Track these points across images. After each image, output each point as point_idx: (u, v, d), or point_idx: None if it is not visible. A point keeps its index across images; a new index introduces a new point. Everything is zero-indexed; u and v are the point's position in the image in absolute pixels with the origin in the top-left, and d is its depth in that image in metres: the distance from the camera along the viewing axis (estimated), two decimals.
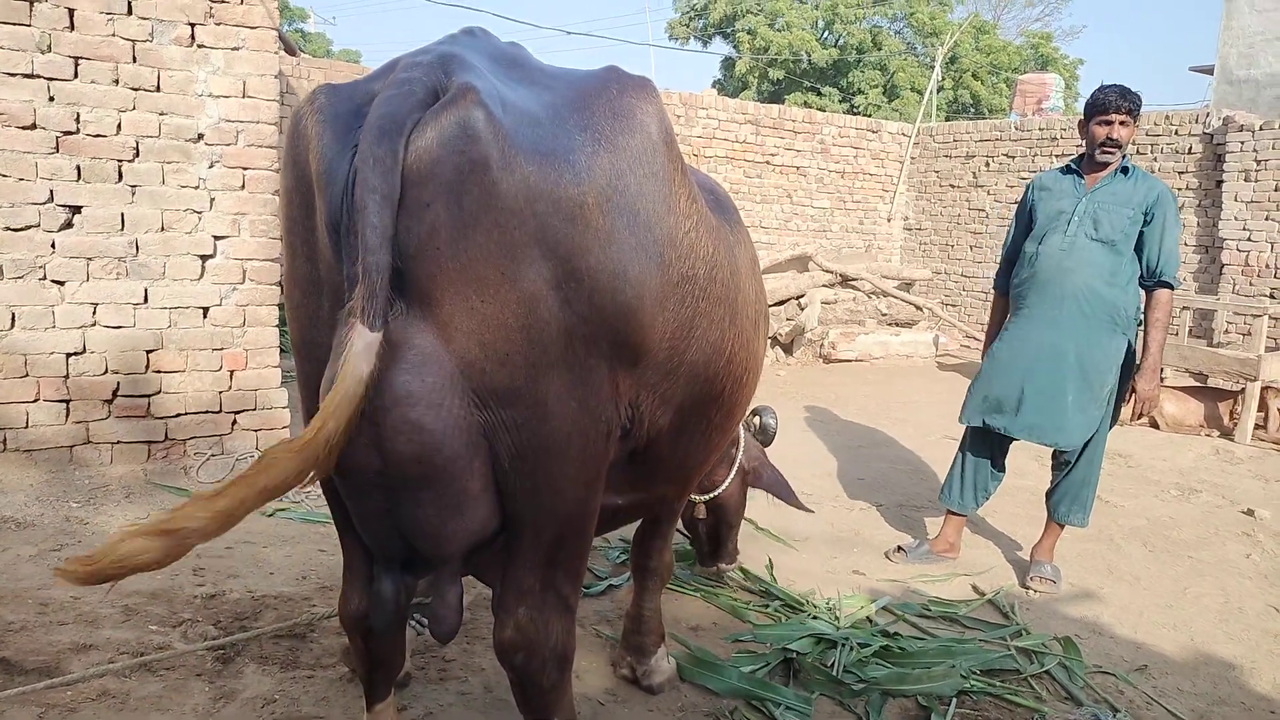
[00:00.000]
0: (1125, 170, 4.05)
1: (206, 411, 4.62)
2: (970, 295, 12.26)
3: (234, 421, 4.70)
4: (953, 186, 12.57)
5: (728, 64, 28.29)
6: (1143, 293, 4.08)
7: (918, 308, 11.15)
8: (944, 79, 18.60)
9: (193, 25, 4.42)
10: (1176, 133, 10.27)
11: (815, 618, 3.68)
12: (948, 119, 15.96)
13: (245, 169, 4.58)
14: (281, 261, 2.10)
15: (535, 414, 1.73)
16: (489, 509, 1.83)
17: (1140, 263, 4.02)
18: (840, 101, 25.24)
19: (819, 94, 25.50)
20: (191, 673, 2.89)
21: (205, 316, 4.58)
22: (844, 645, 3.38)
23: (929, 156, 12.89)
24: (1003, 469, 4.46)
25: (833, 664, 3.25)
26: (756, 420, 3.68)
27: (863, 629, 3.62)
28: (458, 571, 1.99)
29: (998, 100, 24.33)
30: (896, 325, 10.98)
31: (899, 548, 4.59)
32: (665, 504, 2.86)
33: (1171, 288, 4.03)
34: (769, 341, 2.90)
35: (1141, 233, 3.98)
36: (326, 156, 1.66)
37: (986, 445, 4.38)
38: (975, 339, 11.14)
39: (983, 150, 12.16)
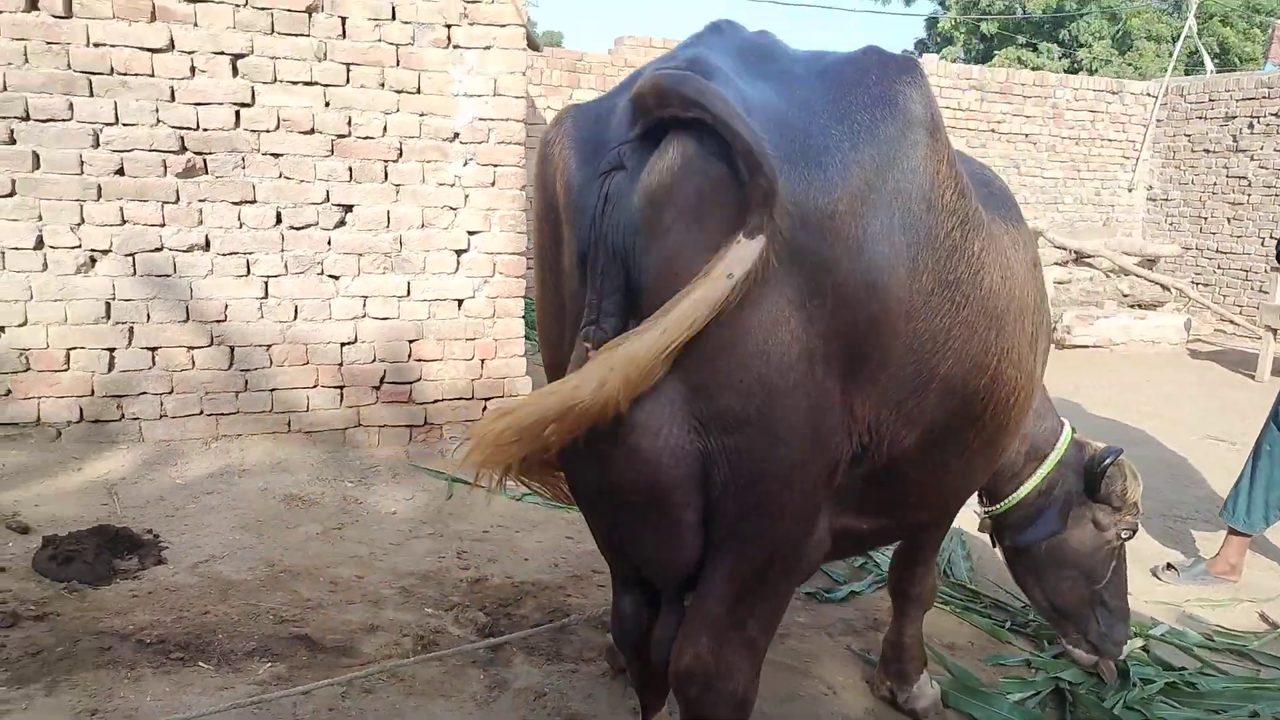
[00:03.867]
0: None
1: (460, 398, 4.88)
2: (1227, 274, 11.01)
3: (484, 408, 4.93)
4: (1207, 151, 11.29)
5: (931, 22, 26.78)
6: None
7: (1165, 288, 10.15)
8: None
9: (449, 27, 4.59)
10: None
11: None
12: (1187, 72, 14.23)
13: (496, 166, 4.75)
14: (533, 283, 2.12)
15: (761, 442, 1.60)
16: (703, 542, 1.75)
17: None
18: (1060, 57, 23.30)
19: (1035, 50, 23.63)
20: (467, 659, 3.04)
21: (460, 308, 4.81)
22: (1124, 678, 3.12)
23: (1179, 119, 11.63)
24: None
25: (1111, 698, 3.02)
26: (1091, 456, 2.95)
27: (1141, 659, 3.33)
28: (677, 601, 1.92)
29: (1250, 48, 21.65)
30: (1140, 307, 10.05)
31: (1169, 565, 4.22)
32: (924, 530, 2.68)
33: None
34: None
35: None
36: (574, 186, 1.64)
37: None
38: (1232, 323, 10.03)
39: (1245, 110, 10.82)
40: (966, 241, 1.76)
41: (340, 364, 4.64)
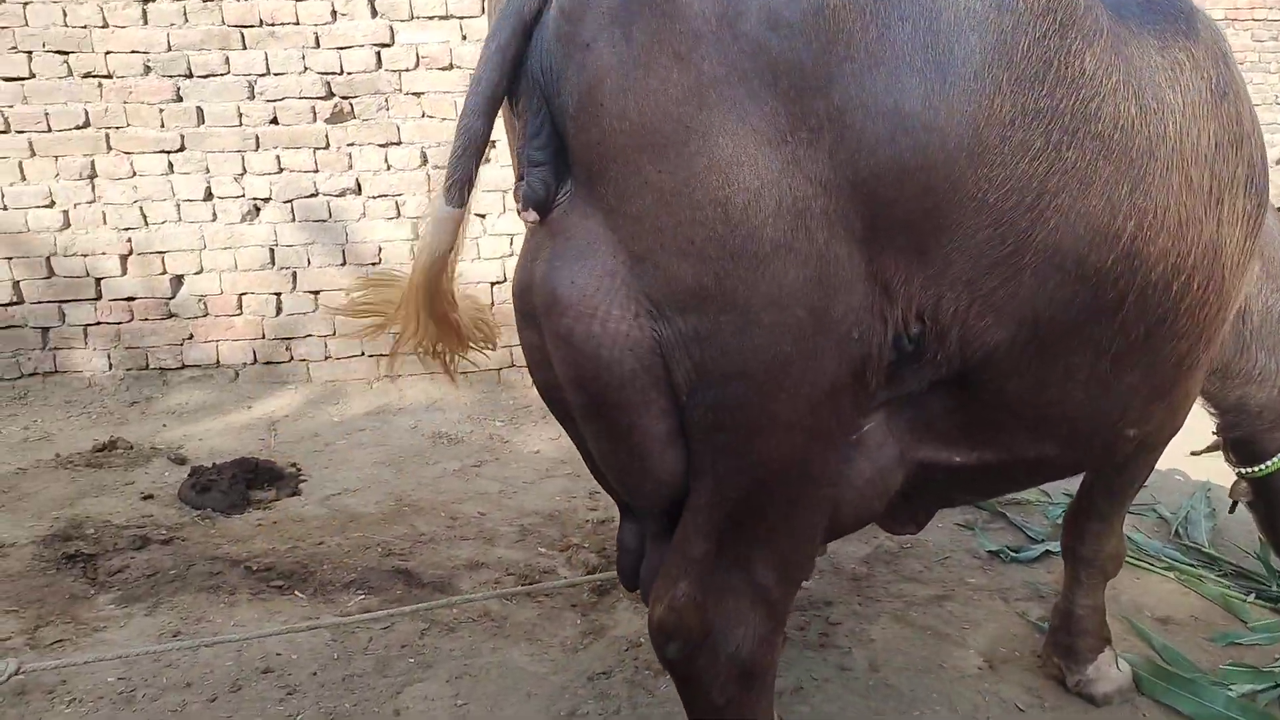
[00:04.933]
0: None
1: None
2: None
3: None
4: None
5: None
6: None
7: None
8: None
9: None
10: None
11: None
12: None
13: None
14: None
15: (729, 325, 1.22)
16: (683, 457, 1.36)
17: None
18: None
19: None
20: (568, 602, 2.82)
21: None
22: None
23: None
24: None
25: None
26: None
27: None
28: (665, 534, 1.50)
29: None
30: None
31: None
32: (1104, 469, 2.12)
33: None
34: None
35: None
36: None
37: None
38: None
39: None
40: (1069, 54, 1.26)
41: (491, 303, 4.57)
